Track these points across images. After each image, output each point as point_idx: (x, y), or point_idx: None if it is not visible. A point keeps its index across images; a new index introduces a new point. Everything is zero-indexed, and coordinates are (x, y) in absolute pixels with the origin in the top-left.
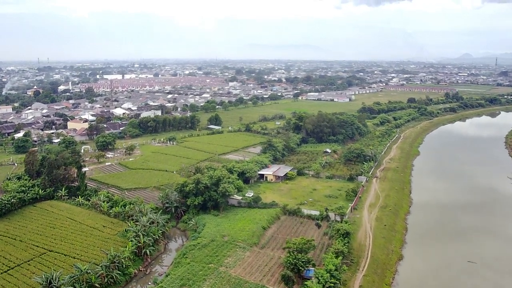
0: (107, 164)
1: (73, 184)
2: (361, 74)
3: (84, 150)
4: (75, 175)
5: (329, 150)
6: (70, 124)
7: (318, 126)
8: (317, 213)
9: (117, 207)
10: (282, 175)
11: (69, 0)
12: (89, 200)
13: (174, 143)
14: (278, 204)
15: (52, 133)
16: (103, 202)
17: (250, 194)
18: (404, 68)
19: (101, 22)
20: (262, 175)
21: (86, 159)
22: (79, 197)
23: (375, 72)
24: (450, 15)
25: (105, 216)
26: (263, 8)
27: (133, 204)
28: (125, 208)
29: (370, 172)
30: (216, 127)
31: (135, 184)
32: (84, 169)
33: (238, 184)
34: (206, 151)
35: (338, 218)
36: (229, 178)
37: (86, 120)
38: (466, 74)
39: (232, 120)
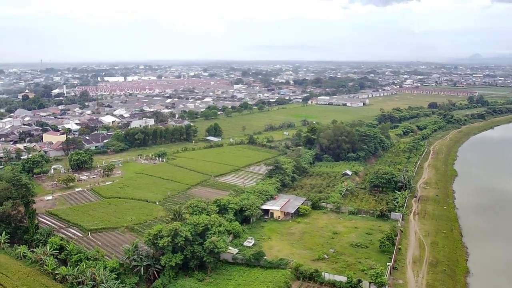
0: (77, 190)
1: (22, 224)
2: (372, 75)
3: (54, 170)
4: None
5: (349, 172)
6: (46, 137)
7: (335, 141)
8: (344, 279)
9: (64, 267)
10: (292, 211)
11: (80, 2)
12: (34, 252)
13: (164, 159)
14: (289, 263)
15: (25, 147)
16: (50, 256)
17: (250, 242)
18: (415, 69)
19: (111, 24)
20: (266, 211)
21: (53, 183)
22: (21, 246)
23: (386, 73)
24: (458, 15)
25: (49, 279)
26: (271, 9)
27: (90, 259)
28: (76, 267)
29: (405, 205)
30: (215, 139)
31: (102, 223)
32: (47, 198)
33: (233, 227)
34: (200, 172)
35: None
36: (219, 226)
37: (68, 131)
38: (482, 75)
39: (234, 129)
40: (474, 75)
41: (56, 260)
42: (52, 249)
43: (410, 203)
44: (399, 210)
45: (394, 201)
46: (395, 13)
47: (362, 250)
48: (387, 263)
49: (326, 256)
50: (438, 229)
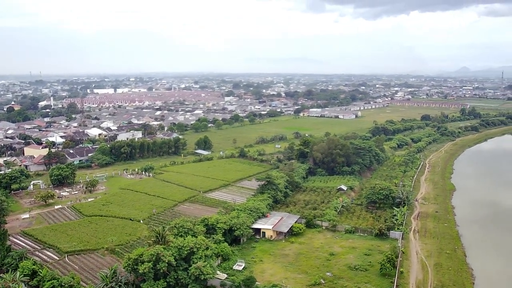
0: (56, 207)
1: None
2: (363, 88)
3: (33, 186)
4: None
5: (344, 187)
6: (28, 150)
7: (329, 155)
8: None
9: None
10: (285, 230)
11: (72, 15)
12: (2, 278)
13: (151, 174)
14: None
15: (4, 161)
16: (20, 284)
17: (240, 265)
18: (406, 82)
19: (106, 38)
20: (258, 230)
21: (31, 199)
22: None
23: (377, 85)
24: (447, 29)
25: None
26: (263, 25)
27: (64, 286)
28: None
29: (404, 222)
30: (205, 152)
31: (81, 244)
32: (23, 216)
33: (222, 249)
34: (188, 187)
35: None
36: (206, 249)
37: (52, 144)
38: (471, 88)
39: (225, 142)
40: (464, 87)
41: (27, 287)
42: (22, 275)
43: (409, 221)
44: (398, 229)
45: (393, 218)
46: (386, 27)
47: (361, 273)
48: None
49: (323, 281)
50: (441, 248)
